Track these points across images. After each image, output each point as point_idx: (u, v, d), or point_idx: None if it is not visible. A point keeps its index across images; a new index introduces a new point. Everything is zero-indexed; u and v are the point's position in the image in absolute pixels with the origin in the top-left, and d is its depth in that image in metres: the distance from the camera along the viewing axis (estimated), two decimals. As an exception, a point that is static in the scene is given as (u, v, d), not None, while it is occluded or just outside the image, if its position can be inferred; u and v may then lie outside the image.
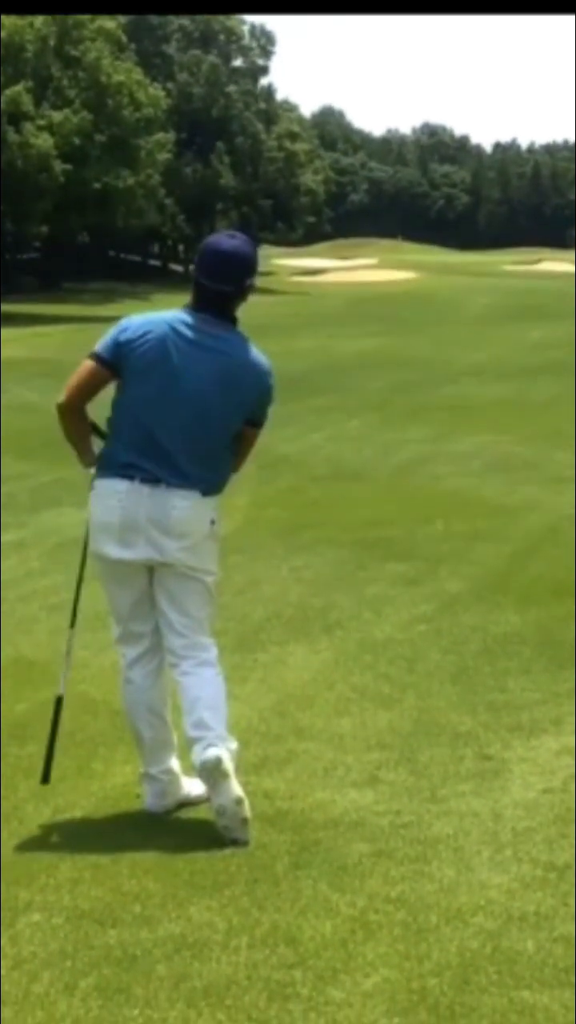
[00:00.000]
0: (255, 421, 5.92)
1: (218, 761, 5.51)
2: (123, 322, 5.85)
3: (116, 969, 4.55)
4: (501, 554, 10.98)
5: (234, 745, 5.75)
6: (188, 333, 5.71)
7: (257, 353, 5.86)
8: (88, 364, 5.80)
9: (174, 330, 5.71)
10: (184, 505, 5.67)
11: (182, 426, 5.69)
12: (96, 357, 5.79)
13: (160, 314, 5.87)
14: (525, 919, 4.83)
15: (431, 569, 10.42)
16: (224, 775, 5.52)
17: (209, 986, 4.43)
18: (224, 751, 5.57)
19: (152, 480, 5.67)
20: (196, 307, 5.76)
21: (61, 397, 5.84)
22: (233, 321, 5.82)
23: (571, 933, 4.70)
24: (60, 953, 4.68)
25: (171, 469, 5.67)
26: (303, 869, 5.29)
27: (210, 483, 5.77)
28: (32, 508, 13.44)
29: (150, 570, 5.81)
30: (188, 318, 5.75)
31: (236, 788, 5.54)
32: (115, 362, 5.74)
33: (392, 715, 7.13)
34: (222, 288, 5.72)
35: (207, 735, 5.62)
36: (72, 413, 5.88)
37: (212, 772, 5.53)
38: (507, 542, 11.45)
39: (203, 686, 5.75)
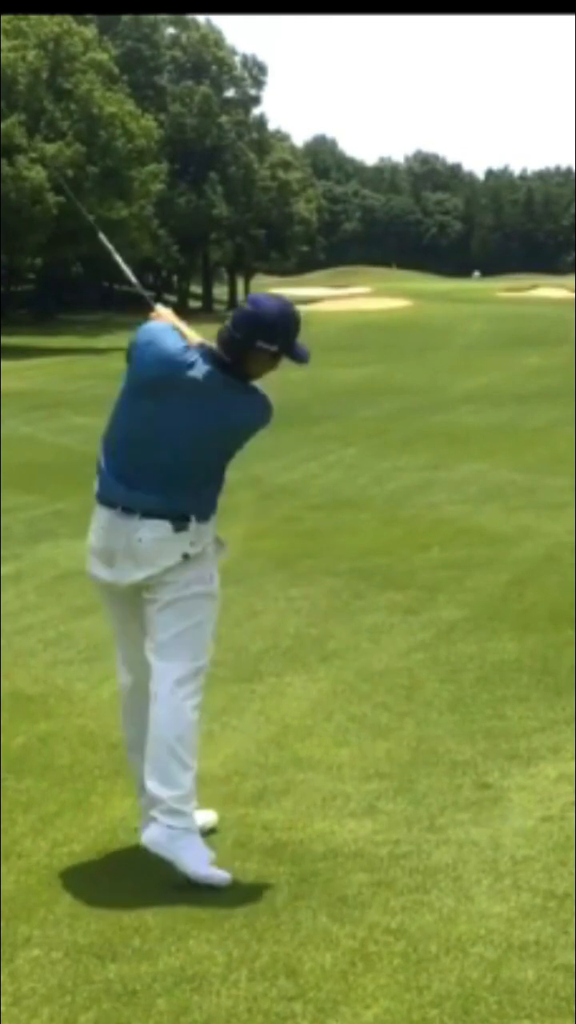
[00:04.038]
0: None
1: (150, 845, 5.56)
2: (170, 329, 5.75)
3: (116, 1004, 4.55)
4: (498, 582, 10.97)
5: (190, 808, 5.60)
6: (202, 367, 5.60)
7: (252, 397, 5.73)
8: None
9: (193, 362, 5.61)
10: (151, 537, 5.56)
11: (161, 461, 5.58)
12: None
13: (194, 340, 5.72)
14: (525, 948, 4.82)
15: (428, 597, 10.42)
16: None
17: (209, 1019, 4.43)
18: (160, 830, 5.53)
19: (127, 510, 5.61)
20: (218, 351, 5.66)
21: None
22: (243, 377, 5.67)
23: (571, 962, 4.70)
24: (60, 988, 4.67)
25: (145, 499, 5.59)
26: (302, 900, 5.28)
27: (181, 517, 5.59)
28: (28, 540, 13.43)
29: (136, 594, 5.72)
30: (209, 355, 5.65)
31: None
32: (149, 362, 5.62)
33: (390, 744, 7.12)
34: (233, 334, 5.61)
35: (154, 806, 5.56)
36: None
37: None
38: (504, 569, 11.44)
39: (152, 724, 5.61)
